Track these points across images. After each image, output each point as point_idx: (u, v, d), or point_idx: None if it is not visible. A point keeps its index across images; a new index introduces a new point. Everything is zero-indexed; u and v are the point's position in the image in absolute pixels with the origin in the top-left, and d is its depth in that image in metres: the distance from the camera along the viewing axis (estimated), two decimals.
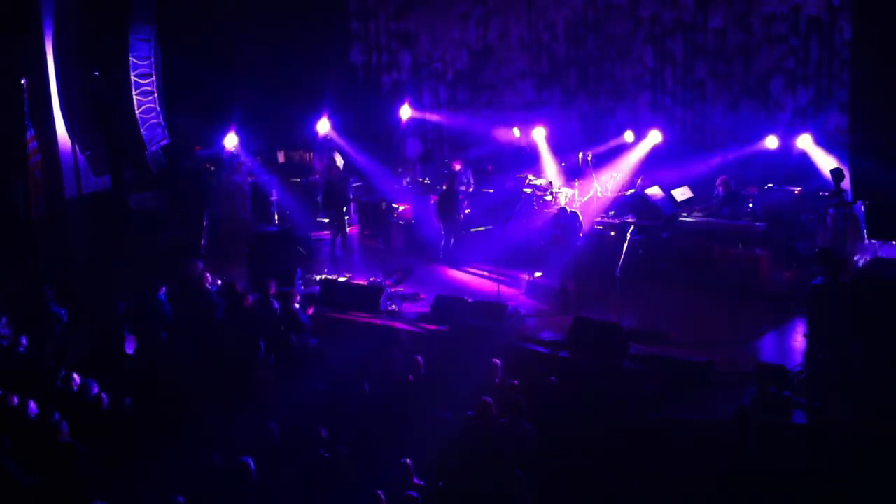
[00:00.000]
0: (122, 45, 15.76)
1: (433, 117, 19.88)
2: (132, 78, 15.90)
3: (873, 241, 12.10)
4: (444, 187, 16.39)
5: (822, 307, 10.12)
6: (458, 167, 17.02)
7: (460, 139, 19.63)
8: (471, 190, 16.89)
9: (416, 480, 8.39)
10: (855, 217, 12.32)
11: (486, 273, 14.99)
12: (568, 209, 14.56)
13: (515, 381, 10.11)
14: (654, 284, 13.86)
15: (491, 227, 16.70)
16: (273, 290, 12.59)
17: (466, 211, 16.67)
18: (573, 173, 16.74)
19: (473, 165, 18.36)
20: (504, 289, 13.90)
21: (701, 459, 8.90)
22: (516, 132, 18.69)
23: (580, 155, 16.61)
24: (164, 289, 12.74)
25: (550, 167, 17.37)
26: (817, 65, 15.77)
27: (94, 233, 16.01)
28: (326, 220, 17.39)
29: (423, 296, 13.92)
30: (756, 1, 16.10)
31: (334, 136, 18.96)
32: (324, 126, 19.04)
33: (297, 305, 12.54)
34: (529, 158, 17.96)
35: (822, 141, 15.31)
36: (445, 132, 20.12)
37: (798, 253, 13.84)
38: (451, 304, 12.98)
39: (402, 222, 17.25)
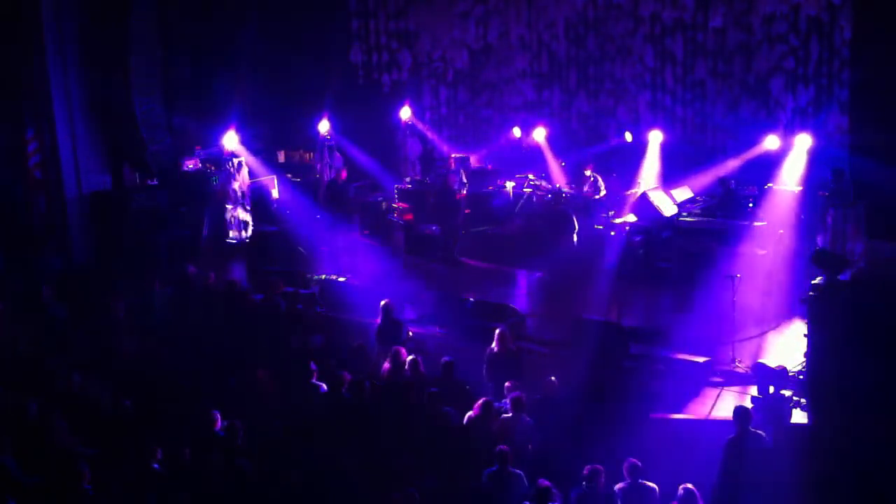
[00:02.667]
0: (123, 45, 15.78)
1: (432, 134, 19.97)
2: (132, 78, 15.93)
3: (873, 240, 12.11)
4: (439, 186, 16.41)
5: (821, 307, 10.11)
6: (453, 164, 17.11)
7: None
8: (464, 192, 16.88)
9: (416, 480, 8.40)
10: (855, 217, 12.33)
11: (486, 273, 14.99)
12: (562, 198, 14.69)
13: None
14: (654, 284, 13.87)
15: (490, 226, 16.72)
16: (279, 289, 12.59)
17: (466, 211, 16.68)
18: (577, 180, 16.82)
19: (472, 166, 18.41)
20: (504, 288, 13.92)
21: (701, 459, 8.90)
22: (517, 132, 18.70)
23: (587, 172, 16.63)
24: (157, 284, 12.77)
25: (553, 168, 17.46)
26: (817, 64, 15.76)
27: (94, 232, 16.02)
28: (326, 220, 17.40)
29: (423, 296, 13.92)
30: (756, 0, 16.09)
31: (334, 135, 19.01)
32: (324, 126, 19.05)
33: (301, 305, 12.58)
34: (531, 159, 18.02)
35: (823, 141, 15.31)
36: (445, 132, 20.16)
37: (798, 253, 13.84)
38: (452, 304, 12.98)
39: (402, 222, 17.26)
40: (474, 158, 18.67)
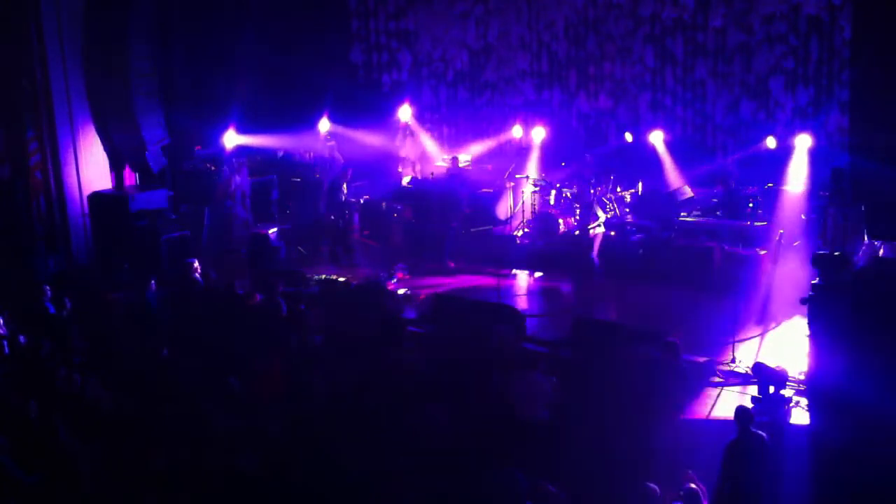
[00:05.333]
0: (123, 45, 15.78)
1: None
2: (132, 78, 15.93)
3: (873, 241, 12.09)
4: (443, 185, 16.40)
5: (822, 307, 10.11)
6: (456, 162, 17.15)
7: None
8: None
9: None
10: (855, 217, 12.31)
11: (486, 273, 14.98)
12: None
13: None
14: (653, 284, 13.88)
15: (491, 226, 16.72)
16: (280, 289, 12.60)
17: (466, 211, 16.68)
18: (577, 177, 16.78)
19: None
20: (504, 289, 13.91)
21: (701, 460, 8.89)
22: (517, 132, 18.70)
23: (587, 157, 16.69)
24: (153, 284, 12.78)
25: (533, 167, 17.55)
26: (817, 64, 15.77)
27: (94, 232, 16.02)
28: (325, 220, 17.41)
29: (422, 296, 13.93)
30: (756, 0, 16.09)
31: (334, 135, 19.06)
32: (324, 125, 19.08)
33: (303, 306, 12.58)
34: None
35: (823, 141, 15.32)
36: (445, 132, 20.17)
37: (798, 253, 13.85)
38: (451, 304, 12.98)
39: (401, 222, 17.26)
40: (465, 159, 18.63)
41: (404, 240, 17.01)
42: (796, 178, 14.85)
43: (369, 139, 19.35)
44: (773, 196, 14.90)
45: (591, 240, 14.58)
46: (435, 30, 19.59)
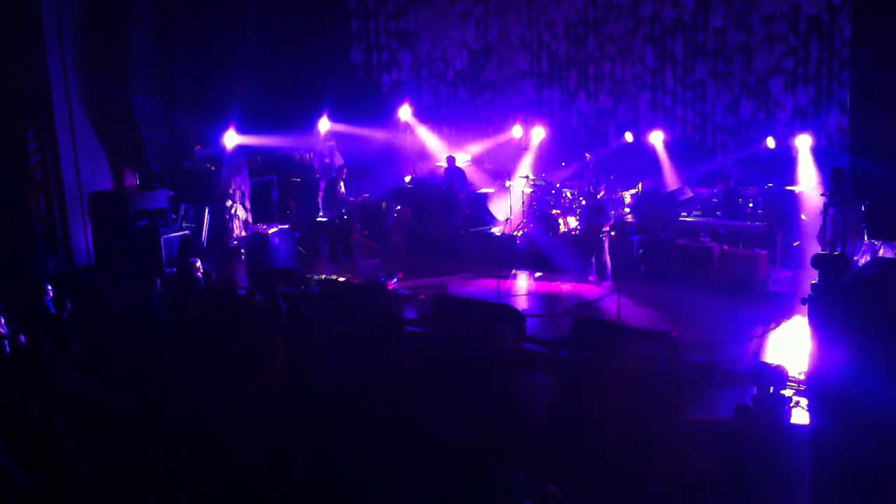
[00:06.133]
0: (123, 45, 15.79)
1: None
2: (132, 78, 15.94)
3: (874, 240, 12.11)
4: (443, 185, 16.40)
5: (822, 307, 10.10)
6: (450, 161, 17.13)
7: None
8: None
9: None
10: (855, 217, 12.33)
11: (486, 273, 14.98)
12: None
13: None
14: (654, 284, 13.88)
15: (490, 226, 16.72)
16: (280, 289, 12.60)
17: (466, 211, 16.69)
18: (577, 177, 16.78)
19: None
20: (504, 289, 13.90)
21: (702, 459, 8.90)
22: (517, 132, 18.71)
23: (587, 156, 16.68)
24: (158, 283, 12.80)
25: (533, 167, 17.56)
26: (817, 64, 15.77)
27: (94, 232, 16.03)
28: (325, 220, 17.43)
29: (422, 296, 13.93)
30: (756, 0, 16.08)
31: (334, 135, 19.06)
32: (324, 125, 19.08)
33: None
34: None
35: (823, 141, 15.33)
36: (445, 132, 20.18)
37: (798, 253, 13.87)
38: (451, 304, 12.97)
39: (402, 222, 17.25)
40: (464, 158, 18.63)
41: (404, 240, 17.01)
42: (798, 177, 14.88)
43: (370, 139, 19.35)
44: (773, 196, 14.91)
45: (602, 242, 14.55)
46: (435, 30, 19.58)
